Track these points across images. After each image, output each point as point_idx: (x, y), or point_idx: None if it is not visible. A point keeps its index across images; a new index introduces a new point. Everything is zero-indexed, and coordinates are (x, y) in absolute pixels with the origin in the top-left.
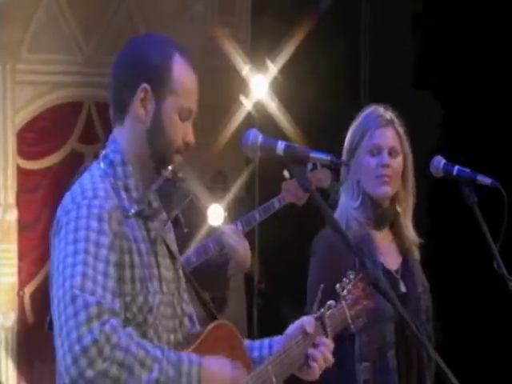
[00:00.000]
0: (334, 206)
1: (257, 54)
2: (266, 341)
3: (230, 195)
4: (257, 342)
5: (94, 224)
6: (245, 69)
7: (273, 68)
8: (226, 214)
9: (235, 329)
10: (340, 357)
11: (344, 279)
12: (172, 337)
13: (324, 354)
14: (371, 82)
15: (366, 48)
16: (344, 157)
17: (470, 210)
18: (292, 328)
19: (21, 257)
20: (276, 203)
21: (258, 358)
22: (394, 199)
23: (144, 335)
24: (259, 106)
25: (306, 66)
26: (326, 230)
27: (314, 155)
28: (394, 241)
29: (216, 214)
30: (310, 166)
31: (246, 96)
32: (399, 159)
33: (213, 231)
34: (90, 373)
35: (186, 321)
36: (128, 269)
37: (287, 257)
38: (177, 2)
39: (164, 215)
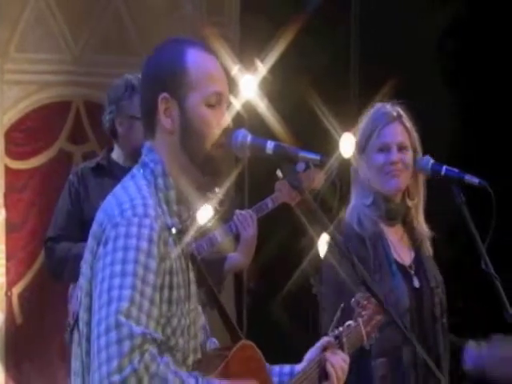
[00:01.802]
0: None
1: (246, 54)
2: (287, 367)
3: (220, 195)
4: (276, 368)
5: (145, 245)
6: (234, 69)
7: (262, 68)
8: (216, 214)
9: (258, 350)
10: (356, 354)
11: (358, 293)
12: (195, 356)
13: (341, 364)
14: (361, 82)
15: (357, 47)
16: (354, 156)
17: (459, 209)
18: (311, 350)
19: (8, 257)
20: (269, 203)
21: None
22: (404, 194)
23: (173, 358)
24: (248, 106)
25: (296, 65)
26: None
27: (304, 155)
28: (406, 236)
29: (205, 214)
30: (303, 165)
31: (235, 96)
32: (409, 154)
33: (203, 230)
34: None
35: (202, 335)
36: (166, 290)
37: (277, 255)
38: (165, 1)
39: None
